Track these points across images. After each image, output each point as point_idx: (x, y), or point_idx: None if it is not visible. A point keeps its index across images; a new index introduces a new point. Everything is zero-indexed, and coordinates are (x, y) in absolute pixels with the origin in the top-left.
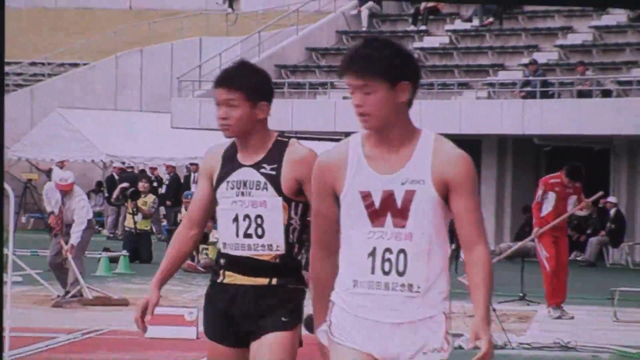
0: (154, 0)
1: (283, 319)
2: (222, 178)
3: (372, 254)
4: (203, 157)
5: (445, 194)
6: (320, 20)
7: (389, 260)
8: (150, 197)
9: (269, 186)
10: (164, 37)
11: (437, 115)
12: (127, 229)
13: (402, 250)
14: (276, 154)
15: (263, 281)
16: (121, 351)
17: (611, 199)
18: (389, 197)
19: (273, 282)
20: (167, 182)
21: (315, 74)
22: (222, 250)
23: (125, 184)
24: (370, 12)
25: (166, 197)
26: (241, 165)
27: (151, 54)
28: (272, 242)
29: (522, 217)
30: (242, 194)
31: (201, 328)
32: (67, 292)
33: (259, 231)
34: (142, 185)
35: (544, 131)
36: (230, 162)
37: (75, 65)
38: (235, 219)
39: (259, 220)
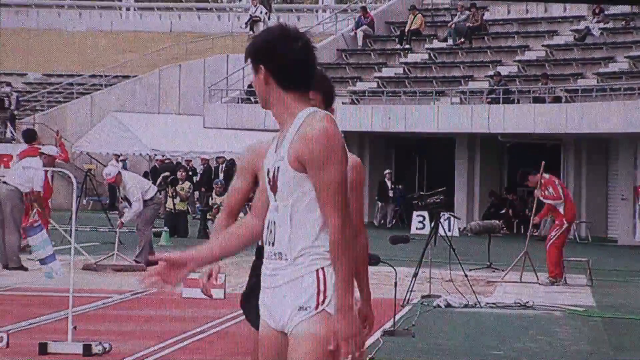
0: (189, 25)
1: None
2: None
3: (268, 227)
4: (244, 154)
5: (303, 169)
6: (323, 40)
7: (271, 231)
8: (187, 184)
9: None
10: (197, 55)
11: (419, 117)
12: (167, 209)
13: (272, 222)
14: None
15: None
16: (163, 308)
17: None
18: (273, 173)
19: None
20: (200, 172)
21: None
22: (259, 244)
23: (166, 173)
24: (364, 33)
25: (200, 184)
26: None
27: (187, 68)
28: None
29: (488, 200)
30: None
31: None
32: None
33: None
34: (180, 174)
35: (506, 130)
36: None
37: (127, 77)
38: None
39: None
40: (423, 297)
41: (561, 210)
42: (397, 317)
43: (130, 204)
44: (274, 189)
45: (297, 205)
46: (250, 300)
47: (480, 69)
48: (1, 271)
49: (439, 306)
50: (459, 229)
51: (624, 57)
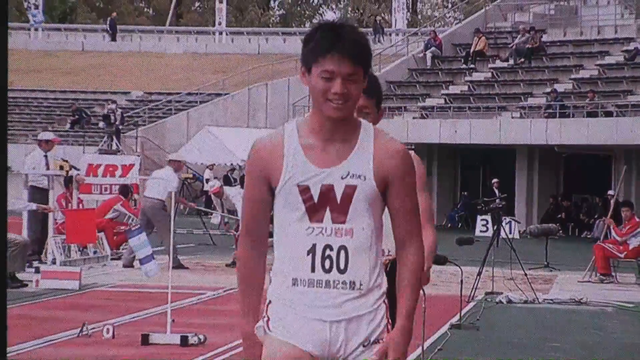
0: (275, 47)
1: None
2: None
3: (312, 251)
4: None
5: (385, 189)
6: (396, 60)
7: (329, 257)
8: None
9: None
10: (283, 74)
11: (482, 130)
12: None
13: (343, 247)
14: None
15: None
16: None
17: (611, 192)
18: (328, 191)
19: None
20: None
21: (392, 100)
22: None
23: None
24: (433, 54)
25: None
26: None
27: (274, 86)
28: None
29: (546, 205)
30: None
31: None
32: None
33: None
34: None
35: (562, 142)
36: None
37: (219, 94)
38: None
39: None
40: (487, 293)
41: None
42: (463, 312)
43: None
44: (339, 209)
45: (376, 230)
46: None
47: (538, 87)
48: (107, 270)
49: (501, 302)
50: (519, 231)
51: None
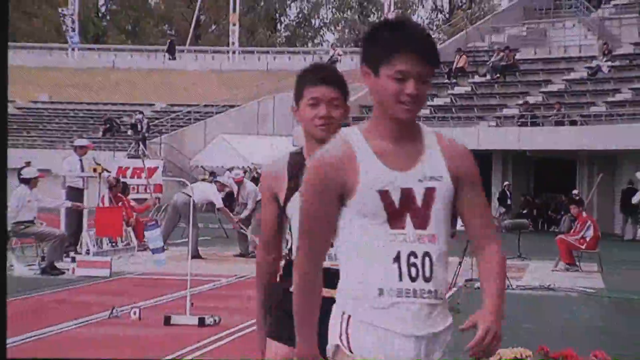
0: (282, 64)
1: None
2: (294, 189)
3: (397, 259)
4: (262, 181)
5: (456, 190)
6: None
7: (414, 265)
8: None
9: None
10: (288, 88)
11: (463, 137)
12: None
13: (427, 254)
14: None
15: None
16: None
17: (575, 191)
18: (407, 195)
19: None
20: None
21: None
22: None
23: None
24: None
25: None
26: None
27: (280, 99)
28: None
29: (519, 203)
30: None
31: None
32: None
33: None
34: None
35: (532, 147)
36: (301, 172)
37: (232, 106)
38: None
39: None
40: (467, 280)
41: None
42: (446, 296)
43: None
44: (421, 214)
45: (448, 235)
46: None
47: (512, 99)
48: (134, 259)
49: (479, 288)
50: None
51: (628, 89)
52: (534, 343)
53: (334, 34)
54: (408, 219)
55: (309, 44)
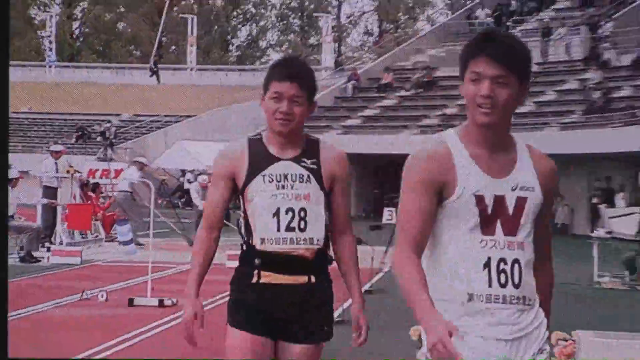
0: (234, 80)
1: (326, 328)
2: (255, 172)
3: (487, 264)
4: (218, 161)
5: None
6: (325, 90)
7: (504, 271)
8: None
9: (312, 179)
10: (239, 100)
11: (391, 144)
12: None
13: (516, 261)
14: (313, 150)
15: (302, 279)
16: (213, 274)
17: None
18: (500, 203)
19: (312, 280)
20: None
21: (322, 120)
22: (258, 248)
23: None
24: (353, 86)
25: None
26: (279, 159)
27: (233, 109)
28: (313, 236)
29: None
30: (283, 187)
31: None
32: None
33: (302, 224)
34: None
35: None
36: (261, 157)
37: (190, 116)
38: (277, 213)
39: (302, 213)
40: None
41: None
42: (373, 280)
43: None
44: (511, 222)
45: (532, 243)
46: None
47: (432, 110)
48: (102, 249)
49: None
50: None
51: (532, 102)
52: None
53: (278, 53)
54: (498, 226)
55: (257, 63)
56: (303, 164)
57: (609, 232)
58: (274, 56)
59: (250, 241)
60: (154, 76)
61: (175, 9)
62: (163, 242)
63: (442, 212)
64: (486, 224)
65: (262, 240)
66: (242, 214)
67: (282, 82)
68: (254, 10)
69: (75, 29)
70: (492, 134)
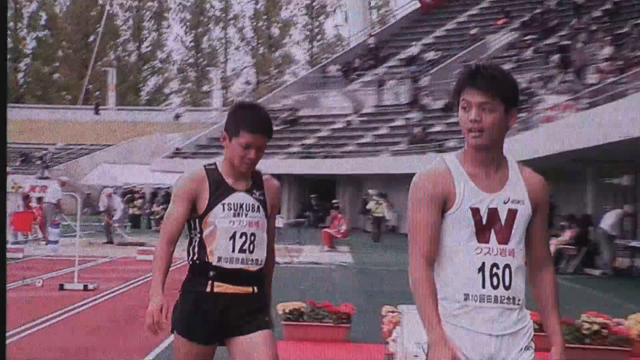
0: (144, 117)
1: (266, 318)
2: (216, 200)
3: (482, 269)
4: (185, 183)
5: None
6: (212, 127)
7: (496, 275)
8: (139, 201)
9: (261, 209)
10: (148, 133)
11: (259, 166)
12: (132, 213)
13: (507, 266)
14: (259, 183)
15: (248, 289)
16: (128, 265)
17: (335, 201)
18: (493, 214)
19: (255, 290)
20: (149, 194)
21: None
22: (214, 264)
23: (129, 195)
24: None
25: (152, 201)
26: (234, 190)
27: (142, 140)
28: (258, 257)
29: (298, 209)
30: (239, 215)
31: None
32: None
33: (251, 247)
34: (137, 195)
35: (309, 172)
36: (221, 187)
37: (110, 145)
38: (233, 237)
39: (252, 238)
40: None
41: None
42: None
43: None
44: (503, 231)
45: (524, 251)
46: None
47: (296, 141)
48: (40, 246)
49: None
50: (284, 224)
51: (371, 135)
52: (310, 296)
53: (179, 97)
54: (492, 235)
55: (162, 104)
56: (254, 195)
57: None
58: (176, 100)
59: (205, 258)
60: (94, 111)
61: (98, 63)
62: (87, 240)
63: (444, 222)
64: (481, 233)
65: (219, 259)
66: (198, 234)
67: (254, 134)
68: (160, 65)
69: (20, 78)
70: (485, 154)
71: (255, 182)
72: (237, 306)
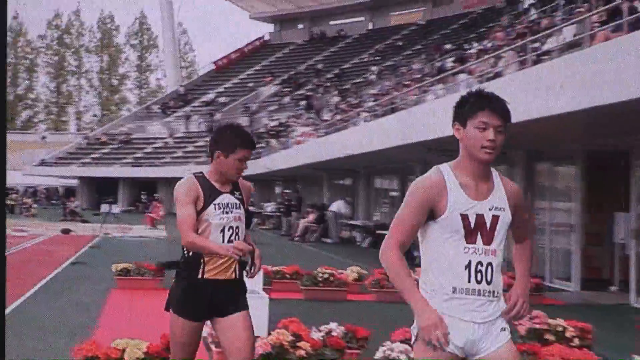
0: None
1: (244, 301)
2: (209, 201)
3: (468, 266)
4: (187, 190)
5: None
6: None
7: (480, 271)
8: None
9: (241, 206)
10: (20, 149)
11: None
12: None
13: (489, 264)
14: (236, 185)
15: (232, 275)
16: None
17: (156, 195)
18: (480, 219)
19: (237, 276)
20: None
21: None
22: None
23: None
24: (87, 142)
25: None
26: (221, 193)
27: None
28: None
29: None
30: (227, 212)
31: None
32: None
33: (236, 237)
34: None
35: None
36: (210, 190)
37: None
38: (222, 230)
39: (237, 230)
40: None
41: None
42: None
43: None
44: (488, 234)
45: (503, 251)
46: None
47: (125, 157)
48: None
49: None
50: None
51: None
52: (137, 259)
53: (44, 124)
54: (479, 237)
55: (32, 129)
56: (235, 195)
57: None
58: (42, 126)
59: None
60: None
61: None
62: None
63: (436, 226)
64: (469, 236)
65: None
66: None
67: (248, 149)
68: (31, 103)
69: None
70: (483, 167)
71: (234, 185)
72: (224, 291)
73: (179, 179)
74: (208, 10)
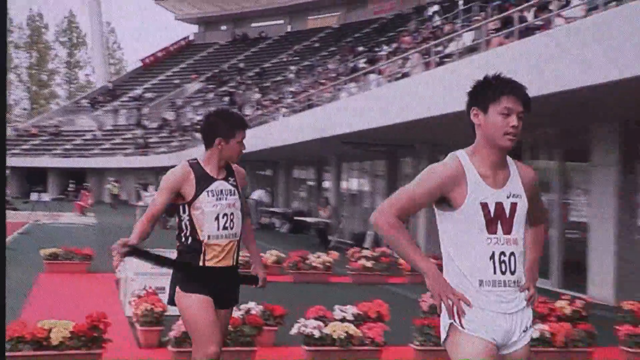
0: None
1: (236, 296)
2: (202, 189)
3: (492, 257)
4: (169, 177)
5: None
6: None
7: (504, 262)
8: None
9: (236, 193)
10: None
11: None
12: None
13: (512, 253)
14: (230, 171)
15: (229, 263)
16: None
17: (86, 184)
18: (499, 208)
19: (234, 263)
20: None
21: None
22: (206, 242)
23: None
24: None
25: None
26: (215, 179)
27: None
28: (237, 231)
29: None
30: (220, 199)
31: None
32: None
33: (231, 224)
34: None
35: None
36: (204, 177)
37: None
38: (217, 217)
39: (231, 217)
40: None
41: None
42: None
43: None
44: (508, 222)
45: (522, 239)
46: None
47: (57, 147)
48: None
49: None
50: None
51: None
52: (66, 245)
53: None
54: (499, 226)
55: None
56: (229, 182)
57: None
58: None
59: (197, 237)
60: None
61: None
62: None
63: (455, 216)
64: (490, 225)
65: (208, 237)
66: (188, 217)
67: (244, 129)
68: None
69: None
70: (502, 154)
71: (228, 171)
72: (223, 279)
73: (108, 169)
74: (135, 11)
